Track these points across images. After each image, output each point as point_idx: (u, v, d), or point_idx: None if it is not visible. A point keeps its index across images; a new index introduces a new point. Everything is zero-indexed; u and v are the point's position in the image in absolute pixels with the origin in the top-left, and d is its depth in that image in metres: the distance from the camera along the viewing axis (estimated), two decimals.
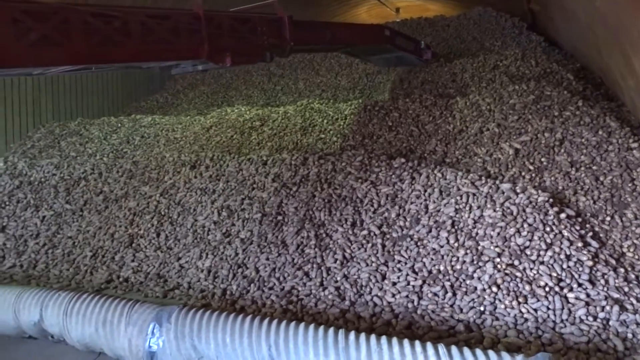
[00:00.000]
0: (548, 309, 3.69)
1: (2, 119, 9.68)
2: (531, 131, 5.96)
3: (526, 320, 3.66)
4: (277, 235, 5.12)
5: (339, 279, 4.42)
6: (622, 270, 4.00)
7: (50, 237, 6.11)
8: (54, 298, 4.10)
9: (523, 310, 3.72)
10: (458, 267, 4.19)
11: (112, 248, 5.67)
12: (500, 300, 3.83)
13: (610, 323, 3.55)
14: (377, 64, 10.55)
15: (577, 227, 4.38)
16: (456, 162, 6.09)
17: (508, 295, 3.84)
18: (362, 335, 3.16)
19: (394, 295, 4.10)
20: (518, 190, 4.77)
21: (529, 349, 3.35)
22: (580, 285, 3.83)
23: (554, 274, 3.90)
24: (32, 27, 3.70)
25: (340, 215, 5.15)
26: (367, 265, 4.46)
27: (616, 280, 3.87)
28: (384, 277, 4.31)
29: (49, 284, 5.23)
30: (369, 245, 4.68)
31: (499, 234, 4.34)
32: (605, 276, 3.91)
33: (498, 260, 4.11)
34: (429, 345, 3.00)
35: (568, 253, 4.06)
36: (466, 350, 2.93)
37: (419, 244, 4.55)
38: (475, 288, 3.96)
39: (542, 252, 4.09)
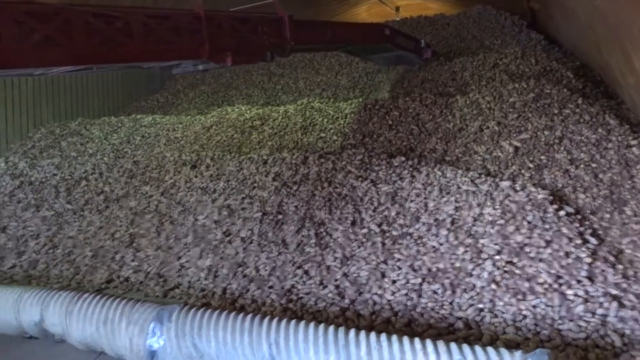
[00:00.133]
0: (547, 305, 3.70)
1: (3, 119, 9.71)
2: (531, 129, 5.97)
3: (525, 317, 3.67)
4: (277, 234, 5.14)
5: (338, 277, 4.43)
6: (620, 267, 4.01)
7: (51, 237, 6.12)
8: (55, 298, 4.12)
9: (522, 307, 3.72)
10: (457, 264, 4.20)
11: (113, 248, 5.68)
12: (499, 298, 3.83)
13: (609, 319, 3.55)
14: (377, 62, 10.57)
15: (576, 225, 4.39)
16: (456, 160, 6.10)
17: (507, 292, 3.85)
18: (362, 333, 3.18)
19: (393, 293, 4.11)
20: (517, 188, 4.78)
21: (528, 346, 3.36)
22: (579, 282, 3.84)
23: (553, 271, 3.91)
24: (35, 27, 3.72)
25: (341, 213, 5.16)
26: (367, 263, 4.47)
27: (615, 277, 3.88)
28: (383, 275, 4.32)
29: (49, 284, 5.24)
30: (369, 243, 4.70)
31: (498, 231, 4.35)
32: (604, 273, 3.92)
33: (497, 257, 4.12)
34: (428, 342, 3.01)
35: (567, 250, 4.07)
36: (465, 347, 2.95)
37: (418, 242, 4.56)
38: (475, 285, 3.97)
39: (541, 250, 4.10)
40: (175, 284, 4.98)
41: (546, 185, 5.17)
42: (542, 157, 5.54)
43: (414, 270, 4.27)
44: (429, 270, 4.25)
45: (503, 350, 2.90)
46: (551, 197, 4.65)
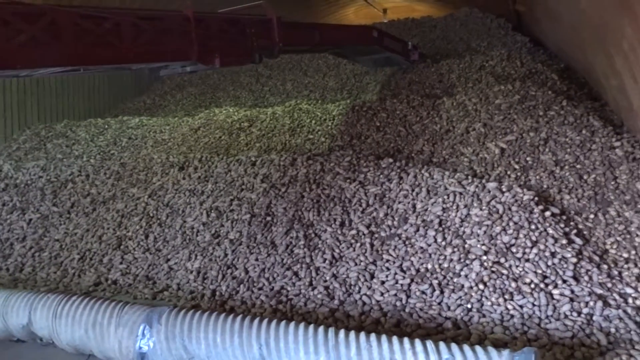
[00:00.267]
0: (533, 305, 3.76)
1: None
2: (516, 131, 6.04)
3: (512, 316, 3.73)
4: (266, 235, 5.14)
5: (328, 278, 4.45)
6: (605, 266, 4.09)
7: (37, 240, 6.07)
8: (42, 300, 4.09)
9: (509, 306, 3.78)
10: (445, 265, 4.24)
11: (100, 250, 5.64)
12: (486, 298, 3.89)
13: (594, 318, 3.62)
14: (365, 64, 10.61)
15: (562, 225, 4.46)
16: (443, 162, 6.15)
17: (494, 292, 3.90)
18: (352, 334, 3.20)
19: (382, 294, 4.14)
20: (504, 189, 4.84)
21: (515, 345, 3.41)
22: (564, 281, 3.90)
23: (539, 271, 3.97)
24: (22, 28, 3.70)
25: (329, 215, 5.18)
26: (356, 264, 4.50)
27: (599, 277, 3.95)
28: (372, 276, 4.35)
29: (36, 287, 5.19)
30: (358, 244, 4.72)
31: (485, 232, 4.41)
32: (589, 272, 3.99)
33: (485, 258, 4.17)
34: (417, 342, 3.05)
35: (553, 250, 4.13)
36: (454, 346, 2.98)
37: (407, 243, 4.59)
38: (463, 286, 4.02)
39: (527, 250, 4.16)
40: (164, 286, 4.96)
41: (532, 186, 5.24)
42: (528, 159, 5.61)
43: (403, 271, 4.31)
44: (418, 270, 4.29)
45: (491, 349, 2.95)
46: (537, 198, 4.71)
